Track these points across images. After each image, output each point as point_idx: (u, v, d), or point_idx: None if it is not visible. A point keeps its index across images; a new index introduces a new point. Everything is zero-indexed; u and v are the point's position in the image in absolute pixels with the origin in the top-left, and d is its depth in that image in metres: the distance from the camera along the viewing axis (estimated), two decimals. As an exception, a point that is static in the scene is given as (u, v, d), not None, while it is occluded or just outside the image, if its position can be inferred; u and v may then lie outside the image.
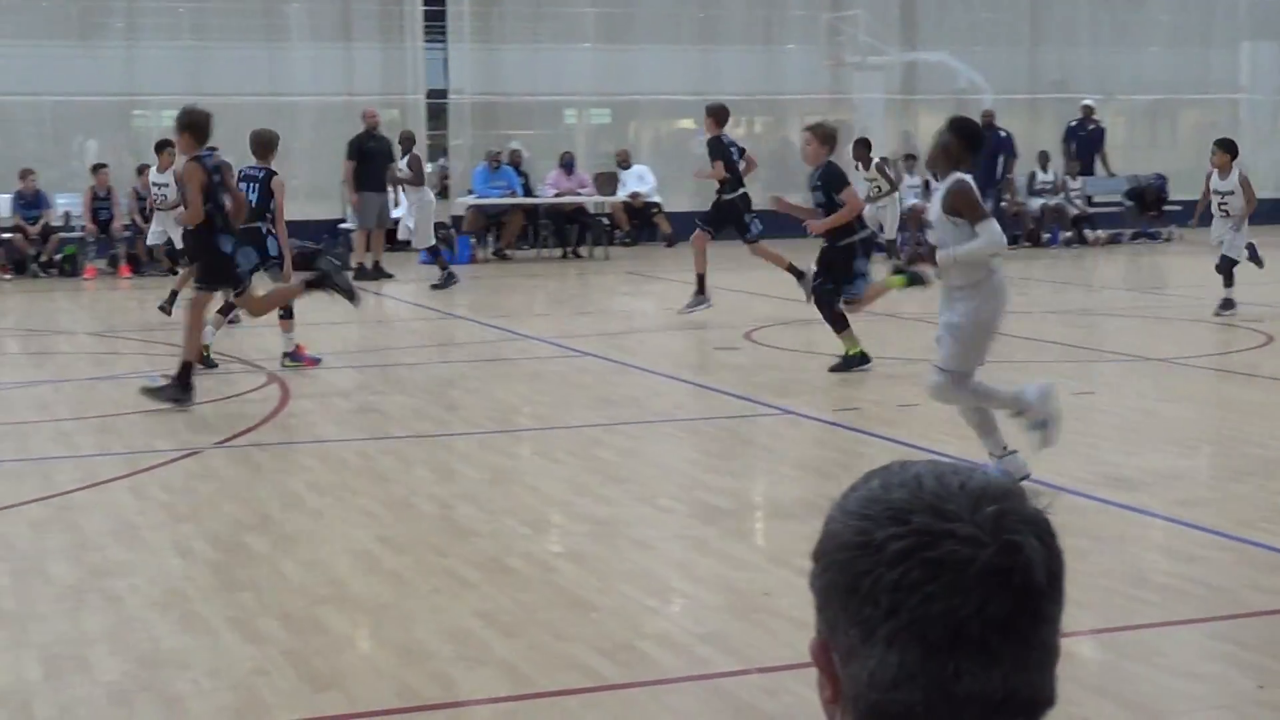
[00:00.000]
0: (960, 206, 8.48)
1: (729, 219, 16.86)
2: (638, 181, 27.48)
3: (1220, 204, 16.91)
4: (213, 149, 12.19)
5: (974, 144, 8.70)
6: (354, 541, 7.94)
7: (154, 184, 20.74)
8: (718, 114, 16.93)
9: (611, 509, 8.63)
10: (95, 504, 8.85)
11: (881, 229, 21.91)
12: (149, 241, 21.74)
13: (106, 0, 27.01)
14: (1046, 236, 28.05)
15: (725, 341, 15.29)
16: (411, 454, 10.24)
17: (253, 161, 14.42)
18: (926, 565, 1.51)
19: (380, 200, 22.96)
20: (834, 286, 13.43)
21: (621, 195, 27.27)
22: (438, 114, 28.70)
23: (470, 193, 26.44)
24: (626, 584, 7.16)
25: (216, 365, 13.59)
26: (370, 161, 22.81)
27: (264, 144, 14.23)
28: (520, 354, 14.97)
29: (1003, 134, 26.53)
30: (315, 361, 13.81)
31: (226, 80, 26.87)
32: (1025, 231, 27.91)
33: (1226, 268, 16.68)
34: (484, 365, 14.34)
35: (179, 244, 19.93)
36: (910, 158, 28.01)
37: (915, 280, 13.71)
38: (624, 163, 27.86)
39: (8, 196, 23.52)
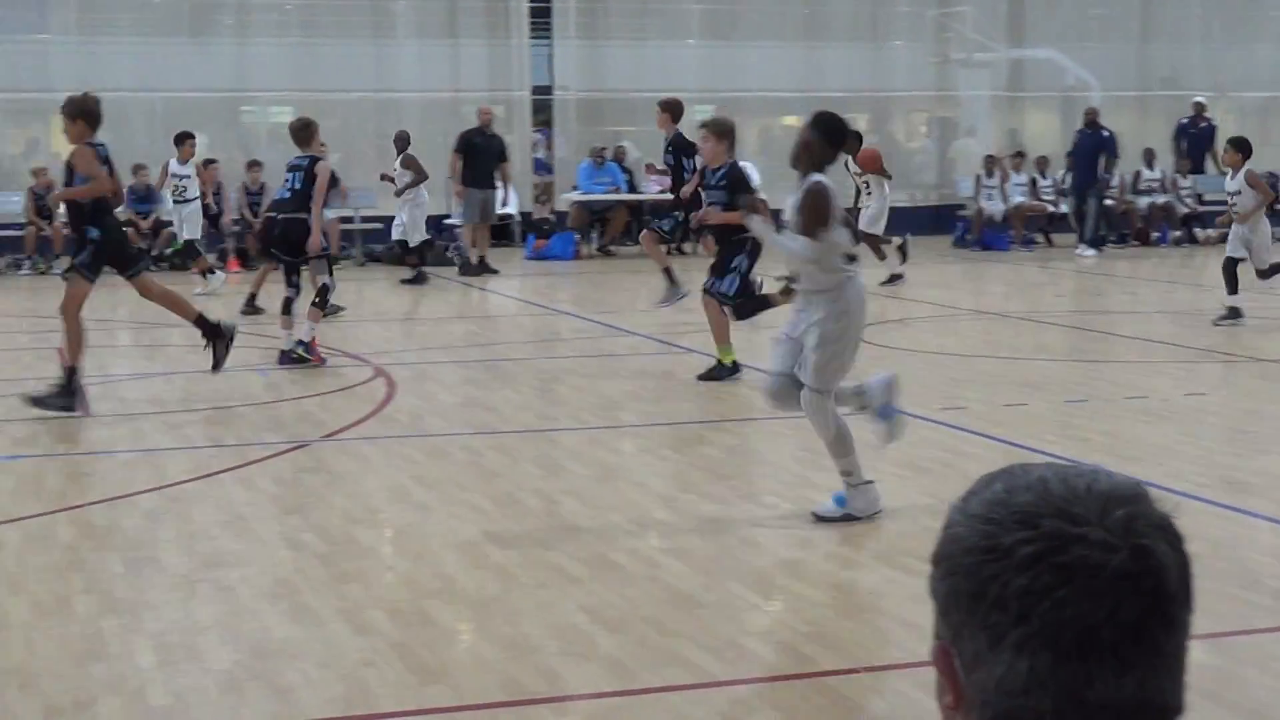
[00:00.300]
0: (804, 212, 8.02)
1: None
2: (743, 177, 27.40)
3: (1230, 205, 16.47)
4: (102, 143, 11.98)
5: (836, 141, 8.26)
6: (461, 536, 7.98)
7: (173, 174, 20.78)
8: (675, 109, 16.14)
9: (716, 506, 8.63)
10: (206, 495, 8.96)
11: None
12: (185, 235, 21.41)
13: (218, -1, 27.32)
14: (1156, 235, 27.73)
15: (830, 339, 15.20)
16: (518, 449, 10.27)
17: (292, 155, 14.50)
18: (1057, 570, 1.49)
19: (486, 196, 23.04)
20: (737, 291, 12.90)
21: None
22: (542, 110, 28.78)
23: (575, 189, 26.53)
24: (732, 581, 7.15)
25: (325, 361, 13.67)
26: (478, 157, 22.91)
27: (304, 131, 14.24)
28: (625, 350, 14.99)
29: (1105, 133, 26.22)
30: (322, 360, 13.67)
31: (334, 77, 27.14)
32: (1133, 230, 27.61)
33: (1228, 270, 16.08)
34: (589, 361, 14.37)
35: (187, 235, 20.25)
36: (1019, 155, 27.79)
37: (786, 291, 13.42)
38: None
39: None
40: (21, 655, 6.17)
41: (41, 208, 22.98)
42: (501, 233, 26.43)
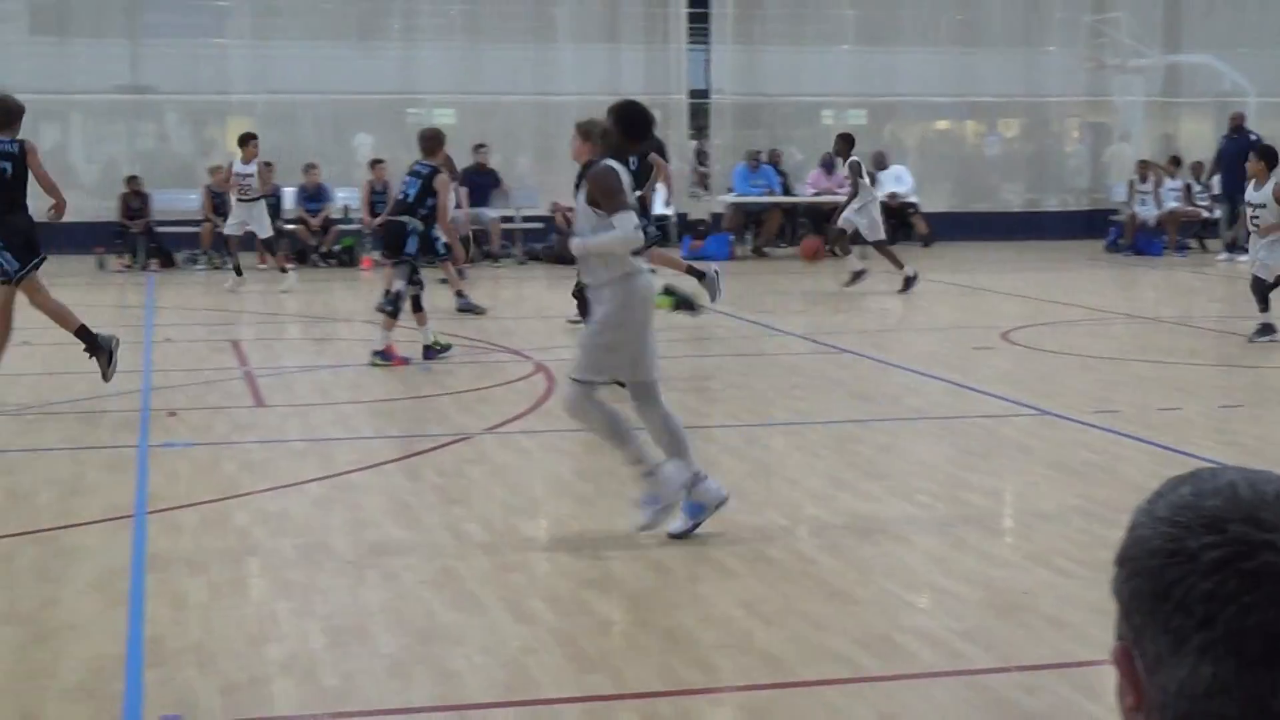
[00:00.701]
0: (597, 194, 7.60)
1: None
2: (895, 182, 27.27)
3: (1251, 217, 15.04)
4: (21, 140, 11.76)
5: (635, 132, 7.85)
6: (619, 528, 8.01)
7: (237, 174, 20.88)
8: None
9: (870, 504, 8.58)
10: (373, 484, 9.08)
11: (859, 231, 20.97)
12: (226, 231, 21.30)
13: (385, 3, 27.66)
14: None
15: (982, 341, 15.08)
16: (673, 444, 10.28)
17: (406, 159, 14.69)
18: (1243, 577, 1.46)
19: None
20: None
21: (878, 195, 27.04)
22: (699, 113, 28.81)
23: (730, 191, 26.53)
24: (885, 578, 7.12)
25: (409, 361, 13.65)
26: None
27: (431, 141, 14.30)
28: (778, 349, 14.96)
29: (1253, 136, 25.65)
30: (404, 361, 13.60)
31: (496, 79, 27.39)
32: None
33: (1258, 290, 14.87)
34: (743, 360, 14.37)
35: (261, 234, 20.41)
36: (1174, 161, 27.31)
37: (683, 304, 13.41)
38: (881, 163, 27.67)
39: (292, 190, 24.26)
40: (199, 634, 6.30)
41: (217, 205, 23.41)
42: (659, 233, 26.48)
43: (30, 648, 6.15)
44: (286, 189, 24.24)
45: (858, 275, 20.05)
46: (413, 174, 14.03)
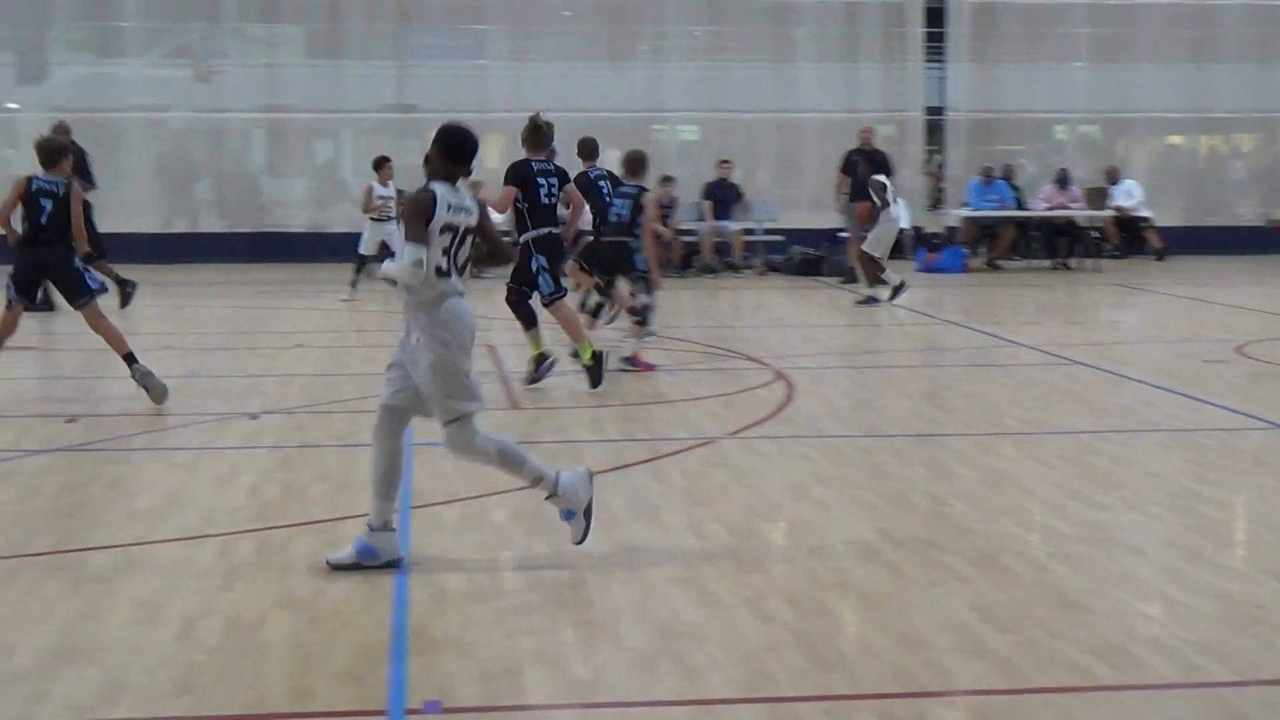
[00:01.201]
0: (405, 215, 7.29)
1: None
2: (1126, 196, 26.68)
3: None
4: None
5: (455, 155, 7.40)
6: (855, 532, 7.95)
7: (377, 196, 20.84)
8: (580, 147, 15.64)
9: (1103, 514, 8.38)
10: (620, 485, 9.13)
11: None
12: (362, 250, 20.93)
13: (634, 26, 27.89)
14: None
15: (1215, 354, 14.63)
16: (909, 452, 10.17)
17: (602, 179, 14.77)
18: None
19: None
20: (515, 286, 12.92)
21: (1110, 210, 26.47)
22: (934, 130, 28.51)
23: (965, 205, 26.20)
24: (1119, 588, 6.93)
25: (655, 368, 13.64)
26: (857, 174, 22.84)
27: (636, 163, 14.24)
28: (1010, 360, 14.70)
29: None
30: (651, 367, 13.62)
31: (739, 97, 27.45)
32: None
33: None
34: (976, 370, 14.15)
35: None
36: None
37: (594, 370, 12.68)
38: (1113, 178, 27.11)
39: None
40: (458, 625, 6.40)
41: (664, 216, 23.75)
42: (894, 246, 26.24)
43: (304, 632, 6.31)
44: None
45: (872, 299, 19.67)
46: (622, 196, 14.04)
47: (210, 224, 27.71)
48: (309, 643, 6.17)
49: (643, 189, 13.99)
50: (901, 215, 20.95)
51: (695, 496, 8.82)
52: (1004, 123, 28.44)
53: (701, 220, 24.88)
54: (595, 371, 12.61)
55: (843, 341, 16.43)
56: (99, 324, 12.03)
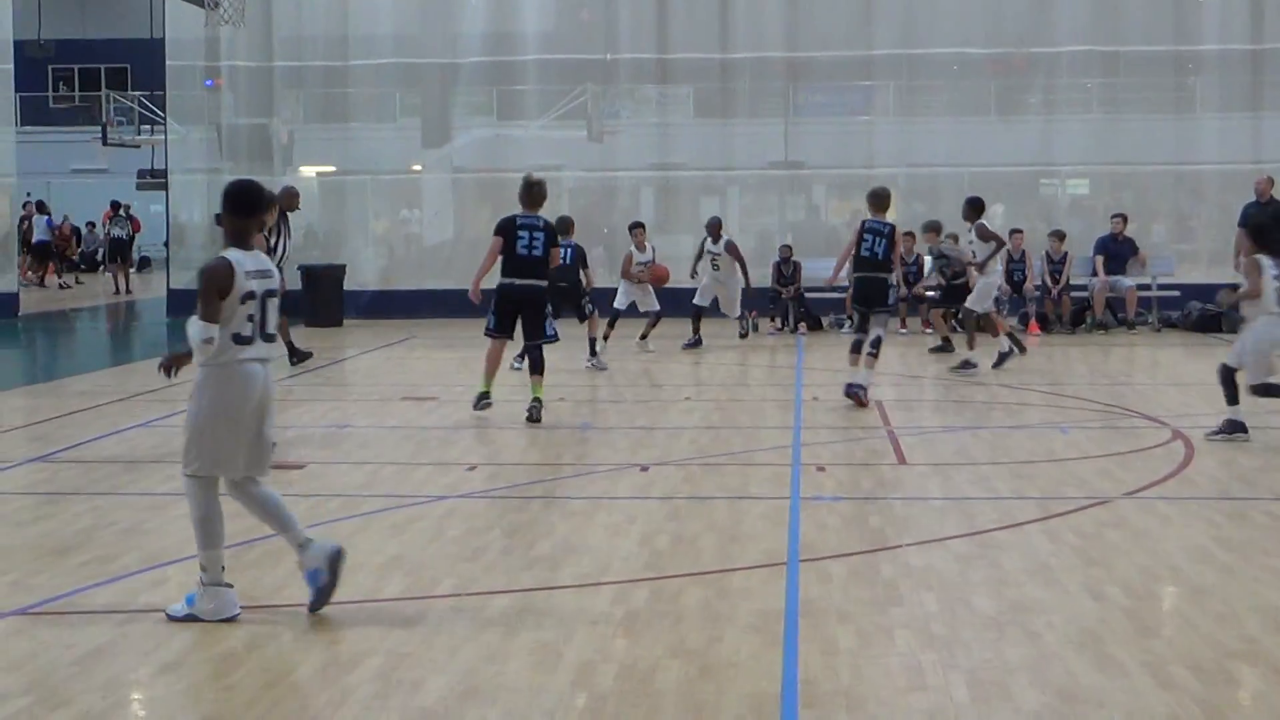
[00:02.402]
0: (199, 290, 7.16)
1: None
2: None
3: None
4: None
5: (243, 209, 7.20)
6: (1264, 599, 7.60)
7: (637, 264, 20.58)
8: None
9: None
10: (1012, 543, 8.96)
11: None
12: (615, 304, 20.66)
13: (1025, 79, 27.48)
14: None
15: None
16: (1320, 517, 9.69)
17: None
18: None
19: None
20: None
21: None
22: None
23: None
24: None
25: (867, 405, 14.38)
26: (1259, 229, 21.81)
27: (884, 199, 15.37)
28: None
29: None
30: (864, 405, 14.57)
31: (1133, 150, 26.73)
32: None
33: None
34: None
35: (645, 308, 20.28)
36: None
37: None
38: None
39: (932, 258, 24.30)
40: (849, 680, 6.37)
41: (1055, 272, 23.81)
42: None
43: (697, 681, 6.38)
44: (927, 257, 24.34)
45: (1004, 356, 18.16)
46: (872, 232, 15.07)
47: (602, 279, 28.43)
48: (701, 692, 6.24)
49: (893, 226, 15.15)
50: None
51: (1090, 557, 8.57)
52: None
53: (1094, 275, 24.27)
54: (478, 404, 14.23)
55: (1244, 400, 15.72)
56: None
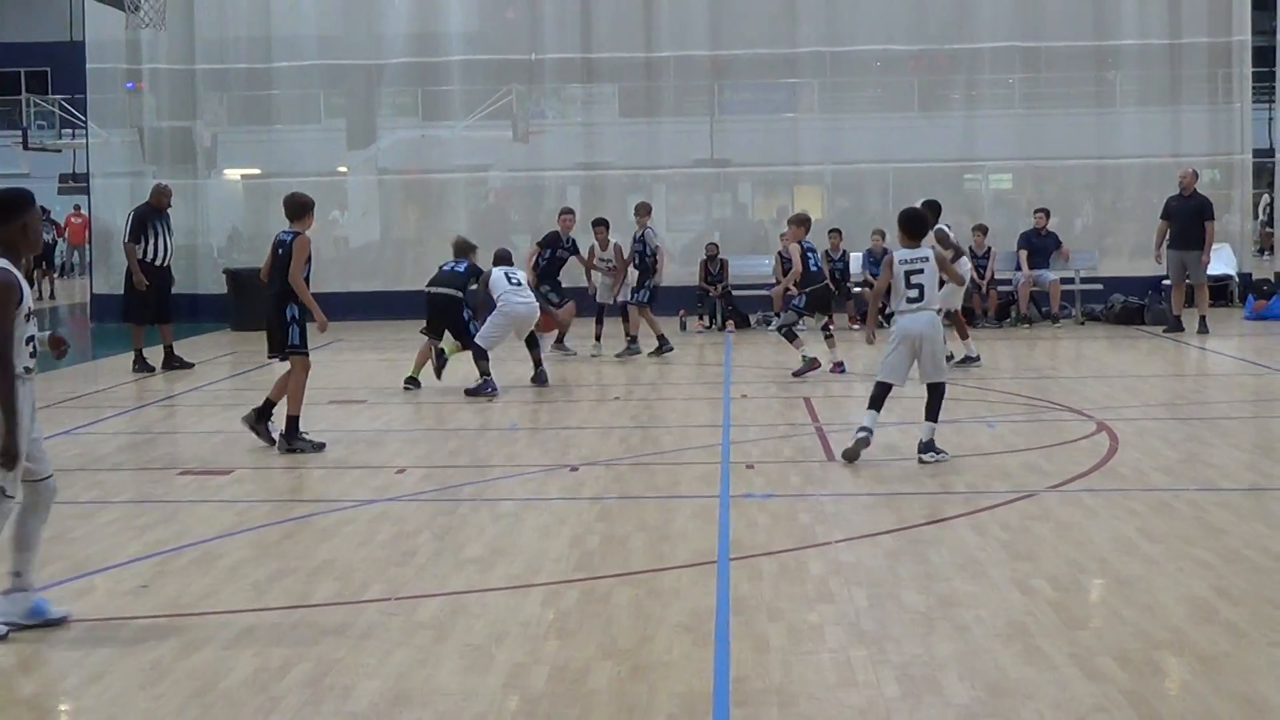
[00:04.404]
0: None
1: None
2: None
3: None
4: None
5: (5, 216, 7.11)
6: (1189, 589, 7.68)
7: (600, 258, 20.61)
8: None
9: None
10: (941, 538, 9.01)
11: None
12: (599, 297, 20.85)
13: (947, 75, 27.65)
14: None
15: None
16: (1243, 506, 9.80)
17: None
18: None
19: (1182, 257, 22.19)
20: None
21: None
22: (1262, 173, 27.52)
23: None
24: None
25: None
26: (1174, 220, 22.22)
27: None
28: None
29: None
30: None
31: (1056, 145, 26.98)
32: None
33: None
34: (1313, 421, 13.57)
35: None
36: None
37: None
38: None
39: (858, 255, 24.46)
40: (780, 677, 6.39)
41: (787, 268, 23.89)
42: (1220, 293, 25.46)
43: (628, 681, 6.38)
44: (854, 254, 24.49)
45: (970, 360, 18.13)
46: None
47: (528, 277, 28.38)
48: (633, 692, 6.24)
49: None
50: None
51: (1017, 551, 8.64)
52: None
53: (1018, 269, 24.46)
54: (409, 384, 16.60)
55: (1168, 392, 15.92)
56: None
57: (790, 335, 17.24)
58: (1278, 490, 10.42)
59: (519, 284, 17.03)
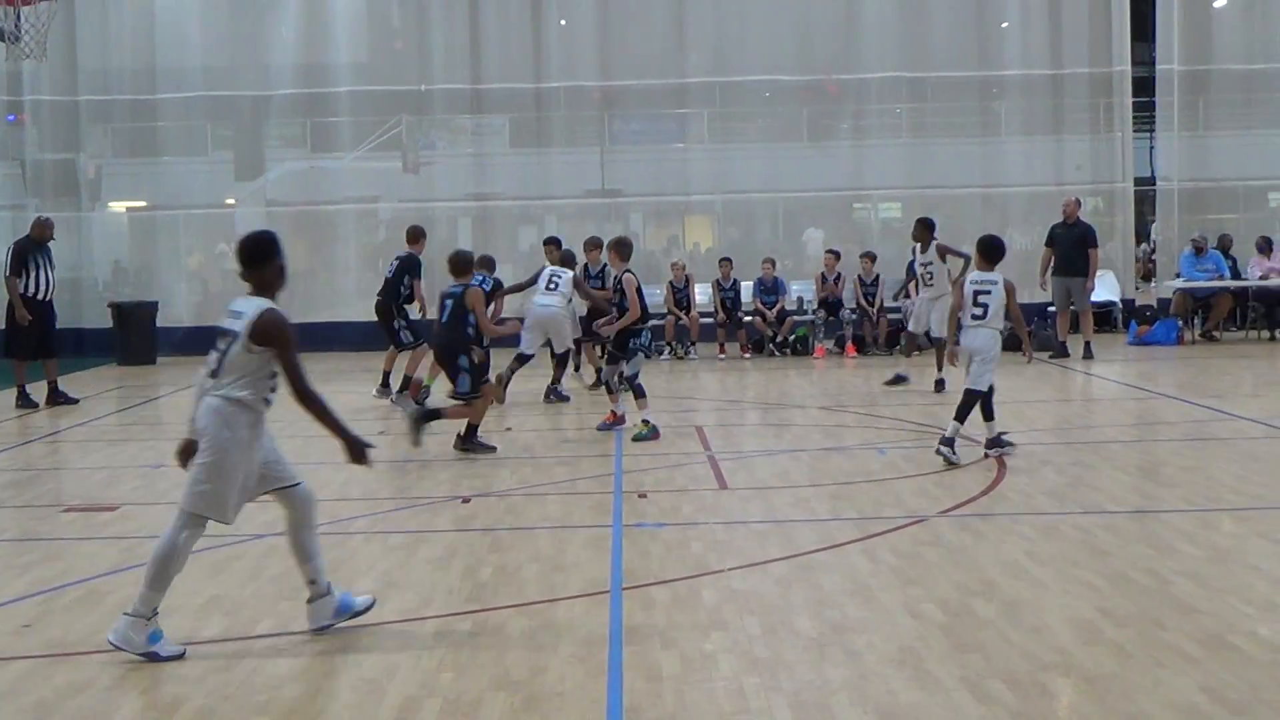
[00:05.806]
0: None
1: None
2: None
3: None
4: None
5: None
6: (1075, 611, 7.79)
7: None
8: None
9: (1336, 592, 8.10)
10: (833, 564, 9.07)
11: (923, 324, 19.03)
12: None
13: (835, 105, 27.92)
14: None
15: None
16: (1127, 529, 9.95)
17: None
18: None
19: (1067, 283, 22.64)
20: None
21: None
22: (1144, 200, 28.04)
23: (1177, 276, 25.66)
24: (1357, 669, 6.68)
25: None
26: (1058, 247, 22.72)
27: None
28: (1233, 434, 14.30)
29: None
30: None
31: (942, 174, 27.33)
32: None
33: None
34: (1195, 444, 13.80)
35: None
36: None
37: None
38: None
39: (749, 283, 24.63)
40: (673, 706, 6.40)
41: (679, 299, 24.08)
42: (1104, 319, 25.89)
43: (522, 712, 6.36)
44: (744, 282, 24.65)
45: (900, 379, 18.79)
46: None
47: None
48: (526, 723, 6.22)
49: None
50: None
51: (908, 576, 8.72)
52: (1216, 191, 27.82)
53: (907, 298, 24.69)
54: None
55: (1054, 417, 16.13)
56: None
57: (638, 388, 15.00)
58: (1161, 513, 10.58)
59: (554, 287, 17.40)
